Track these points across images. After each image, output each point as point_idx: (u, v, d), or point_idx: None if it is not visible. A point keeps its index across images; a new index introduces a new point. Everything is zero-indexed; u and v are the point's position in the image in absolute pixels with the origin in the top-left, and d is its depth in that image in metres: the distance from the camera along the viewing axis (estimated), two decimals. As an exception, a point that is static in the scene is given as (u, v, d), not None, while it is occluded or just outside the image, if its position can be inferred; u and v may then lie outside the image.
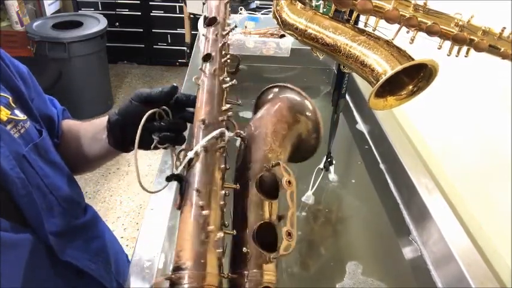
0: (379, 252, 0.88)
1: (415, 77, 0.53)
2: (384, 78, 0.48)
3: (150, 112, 0.52)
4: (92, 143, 0.65)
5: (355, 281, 0.78)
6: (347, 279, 0.78)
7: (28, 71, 0.62)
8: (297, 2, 0.59)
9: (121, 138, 0.60)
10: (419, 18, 0.49)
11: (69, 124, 0.71)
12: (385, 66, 0.49)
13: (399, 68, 0.48)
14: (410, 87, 0.54)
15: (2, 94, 0.52)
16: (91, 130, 0.66)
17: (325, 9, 0.58)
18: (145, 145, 0.57)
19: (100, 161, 0.69)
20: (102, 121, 0.64)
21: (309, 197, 0.97)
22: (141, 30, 3.32)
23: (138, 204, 2.15)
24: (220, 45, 0.55)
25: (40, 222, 0.51)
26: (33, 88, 0.62)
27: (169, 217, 0.80)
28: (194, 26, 2.65)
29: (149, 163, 2.38)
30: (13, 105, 0.53)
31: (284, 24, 0.59)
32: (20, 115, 0.53)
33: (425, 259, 0.83)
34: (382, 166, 1.09)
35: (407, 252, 0.86)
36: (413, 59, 0.49)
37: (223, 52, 0.56)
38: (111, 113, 0.60)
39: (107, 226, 0.74)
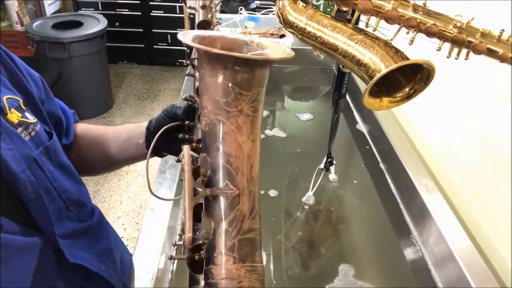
0: (380, 253, 0.88)
1: (412, 79, 0.54)
2: (377, 76, 0.48)
3: (169, 125, 0.57)
4: (126, 145, 0.69)
5: (346, 283, 0.78)
6: (337, 281, 0.78)
7: (40, 76, 0.64)
8: (299, 0, 0.59)
9: (156, 146, 0.65)
10: (418, 19, 0.49)
11: (87, 127, 0.73)
12: (379, 65, 0.49)
13: (393, 67, 0.48)
14: (407, 89, 0.54)
15: (13, 97, 0.52)
16: (124, 134, 0.70)
17: (328, 9, 0.58)
18: (174, 153, 0.64)
19: (131, 161, 0.73)
20: (137, 126, 0.69)
21: (309, 197, 0.97)
22: (141, 30, 3.32)
23: (138, 204, 2.16)
24: None
25: (49, 225, 0.51)
26: (43, 90, 0.63)
27: (169, 217, 0.81)
28: (194, 26, 2.65)
29: (149, 163, 2.38)
30: (24, 107, 0.53)
31: (285, 22, 0.60)
32: (31, 118, 0.53)
33: (425, 259, 0.83)
34: (382, 166, 1.09)
35: (408, 252, 0.86)
36: (408, 59, 0.49)
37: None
38: (150, 121, 0.67)
39: (112, 227, 0.74)
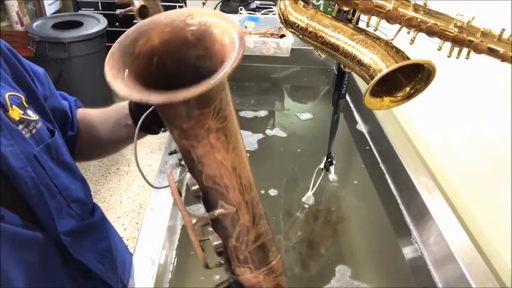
0: (379, 253, 0.88)
1: (413, 78, 0.54)
2: (378, 76, 0.48)
3: (149, 110, 0.52)
4: (117, 127, 0.67)
5: (343, 283, 0.78)
6: (334, 281, 0.78)
7: (44, 72, 0.65)
8: (300, 0, 0.59)
9: (145, 123, 0.63)
10: (419, 19, 0.49)
11: (84, 112, 0.73)
12: (380, 65, 0.49)
13: (394, 66, 0.48)
14: (408, 89, 0.54)
15: (15, 94, 0.52)
16: (113, 116, 0.68)
17: (329, 9, 0.58)
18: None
19: (127, 141, 0.71)
20: (122, 107, 0.65)
21: (309, 197, 0.97)
22: (141, 30, 3.32)
23: (138, 204, 2.15)
24: None
25: (51, 221, 0.52)
26: (47, 86, 0.63)
27: (169, 217, 0.81)
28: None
29: (149, 163, 2.38)
30: (26, 105, 0.53)
31: (286, 23, 0.60)
32: (32, 115, 0.54)
33: (425, 259, 0.83)
34: (382, 166, 1.10)
35: (408, 252, 0.86)
36: (409, 59, 0.49)
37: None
38: (131, 102, 0.62)
39: (113, 226, 0.74)
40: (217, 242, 0.41)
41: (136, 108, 0.62)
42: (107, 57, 0.35)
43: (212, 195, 0.40)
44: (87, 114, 0.72)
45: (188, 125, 0.36)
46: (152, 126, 0.61)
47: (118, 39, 0.37)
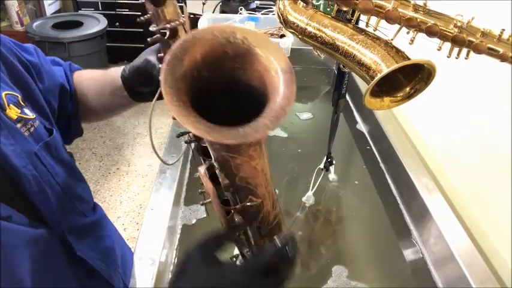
0: (380, 253, 0.88)
1: (413, 78, 0.54)
2: (379, 76, 0.48)
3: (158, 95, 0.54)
4: (114, 98, 0.68)
5: (340, 283, 0.78)
6: (333, 281, 0.78)
7: (35, 47, 0.64)
8: (299, 0, 0.59)
9: (140, 94, 0.64)
10: (418, 19, 0.49)
11: (79, 76, 0.72)
12: (380, 65, 0.49)
13: (394, 67, 0.48)
14: (408, 89, 0.54)
15: (11, 93, 0.52)
16: (107, 87, 0.68)
17: (328, 9, 0.58)
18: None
19: (127, 107, 0.72)
20: (114, 79, 0.65)
21: (309, 197, 0.97)
22: (141, 30, 3.32)
23: (138, 204, 2.15)
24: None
25: (55, 217, 0.52)
26: (44, 71, 0.62)
27: (169, 217, 0.81)
28: (194, 26, 2.65)
29: (149, 163, 2.38)
30: (22, 103, 0.53)
31: (286, 23, 0.60)
32: (30, 114, 0.53)
33: (425, 259, 0.83)
34: (382, 166, 1.10)
35: (408, 253, 0.86)
36: (409, 59, 0.49)
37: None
38: (124, 74, 0.63)
39: (114, 226, 0.74)
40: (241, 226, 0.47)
41: (128, 80, 0.63)
42: (162, 84, 0.34)
43: (243, 191, 0.45)
44: (81, 79, 0.72)
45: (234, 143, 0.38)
46: (147, 95, 0.63)
47: (166, 60, 0.36)
